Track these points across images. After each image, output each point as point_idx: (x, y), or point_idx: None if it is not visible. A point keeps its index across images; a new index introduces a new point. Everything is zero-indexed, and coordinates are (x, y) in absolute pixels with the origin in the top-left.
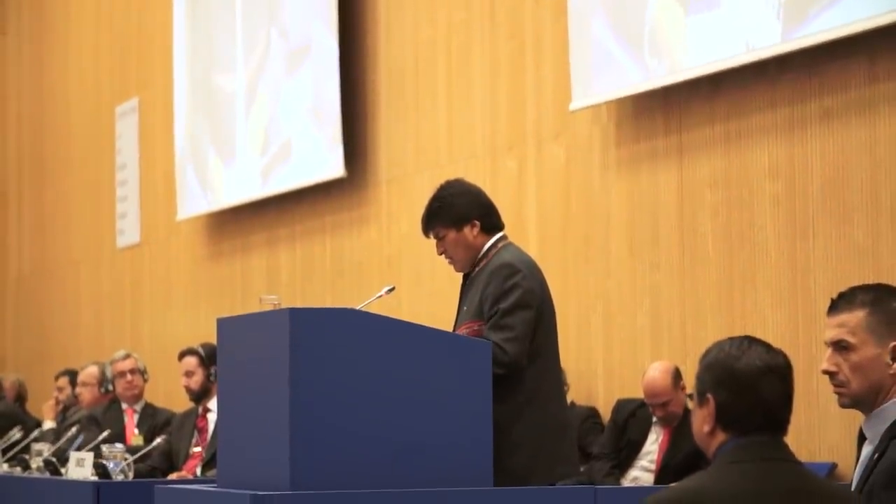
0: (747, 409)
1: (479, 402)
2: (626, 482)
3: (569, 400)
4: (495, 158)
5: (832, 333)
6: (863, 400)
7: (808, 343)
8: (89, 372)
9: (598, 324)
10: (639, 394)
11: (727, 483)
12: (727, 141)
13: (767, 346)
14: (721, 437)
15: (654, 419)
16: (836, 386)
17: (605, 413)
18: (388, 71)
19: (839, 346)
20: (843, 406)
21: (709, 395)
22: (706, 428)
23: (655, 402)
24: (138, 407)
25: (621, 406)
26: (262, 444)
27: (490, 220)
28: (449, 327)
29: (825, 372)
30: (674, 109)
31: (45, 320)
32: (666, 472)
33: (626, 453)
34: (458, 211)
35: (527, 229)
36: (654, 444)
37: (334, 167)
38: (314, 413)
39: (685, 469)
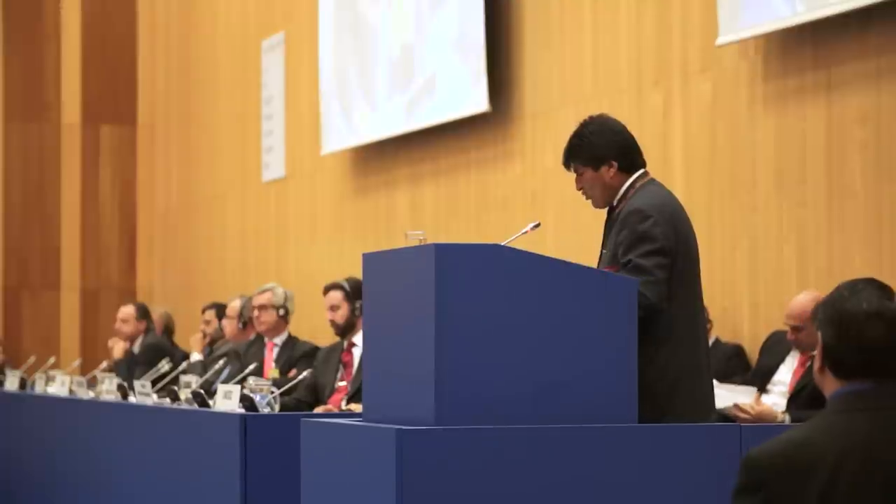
0: (848, 351)
1: (625, 338)
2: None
3: (713, 337)
4: (641, 92)
5: None
6: None
7: None
8: (232, 306)
9: (743, 260)
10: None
11: (834, 434)
12: (878, 76)
13: (883, 291)
14: (830, 379)
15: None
16: None
17: (751, 350)
18: (534, 3)
19: None
20: None
21: (819, 334)
22: (817, 365)
23: (791, 323)
24: (279, 341)
25: (772, 337)
26: (407, 379)
27: (629, 160)
28: (594, 263)
29: None
30: (822, 44)
31: (191, 253)
32: (796, 398)
33: (761, 378)
34: (596, 150)
35: (672, 164)
36: (789, 372)
37: (479, 101)
38: (459, 349)
39: (814, 398)
